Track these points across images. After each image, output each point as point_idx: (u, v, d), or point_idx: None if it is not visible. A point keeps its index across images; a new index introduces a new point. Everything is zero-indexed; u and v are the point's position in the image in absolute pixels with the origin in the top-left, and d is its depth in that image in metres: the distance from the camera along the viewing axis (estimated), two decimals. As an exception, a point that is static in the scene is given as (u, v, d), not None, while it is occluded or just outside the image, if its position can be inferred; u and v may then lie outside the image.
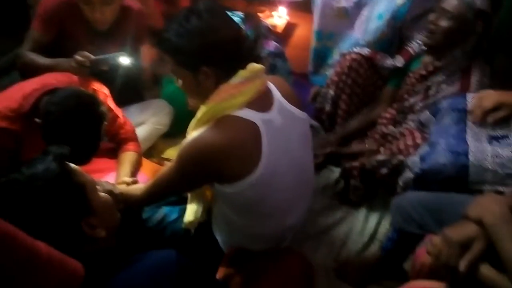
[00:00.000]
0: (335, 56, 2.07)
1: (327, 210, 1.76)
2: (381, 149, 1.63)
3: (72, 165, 1.01)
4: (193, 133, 1.11)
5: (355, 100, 1.88)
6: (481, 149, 1.22)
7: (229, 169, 1.09)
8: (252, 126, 1.11)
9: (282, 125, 1.18)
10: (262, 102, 1.15)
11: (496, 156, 1.19)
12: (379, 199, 1.75)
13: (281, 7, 2.64)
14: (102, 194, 1.05)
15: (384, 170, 1.55)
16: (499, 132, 1.29)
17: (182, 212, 1.34)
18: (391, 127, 1.72)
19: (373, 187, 1.71)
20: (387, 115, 1.79)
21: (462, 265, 0.86)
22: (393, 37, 1.87)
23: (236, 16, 1.74)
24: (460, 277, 0.86)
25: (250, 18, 1.75)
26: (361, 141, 1.83)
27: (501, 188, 1.12)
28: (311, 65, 2.24)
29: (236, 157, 1.08)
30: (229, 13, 1.76)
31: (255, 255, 1.26)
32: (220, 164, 1.08)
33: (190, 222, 1.29)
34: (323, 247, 1.64)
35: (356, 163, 1.69)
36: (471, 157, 1.20)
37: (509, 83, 2.05)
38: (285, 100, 1.22)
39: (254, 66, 1.15)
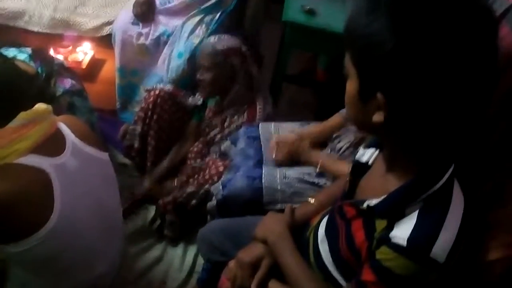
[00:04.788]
0: (142, 93, 2.06)
1: (144, 251, 1.71)
2: (190, 180, 1.67)
3: None
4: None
5: (163, 136, 1.89)
6: (272, 172, 1.36)
7: (12, 225, 0.96)
8: (40, 173, 1.01)
9: (77, 168, 1.10)
10: (52, 145, 1.06)
11: (284, 177, 1.34)
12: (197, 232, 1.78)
13: (86, 42, 2.52)
14: None
15: (193, 202, 1.59)
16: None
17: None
18: (199, 160, 1.78)
19: (189, 220, 1.73)
20: (195, 149, 1.86)
21: (253, 284, 0.92)
22: (194, 73, 1.95)
23: (23, 53, 1.58)
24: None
25: (41, 54, 1.61)
26: (175, 178, 1.85)
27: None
28: (118, 102, 2.18)
29: (19, 211, 0.96)
30: (15, 49, 1.61)
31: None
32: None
33: (-26, 294, 1.09)
34: (142, 292, 1.57)
35: (169, 198, 1.69)
36: (264, 180, 1.32)
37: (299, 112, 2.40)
38: (80, 141, 1.15)
39: (38, 107, 1.05)
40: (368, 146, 0.84)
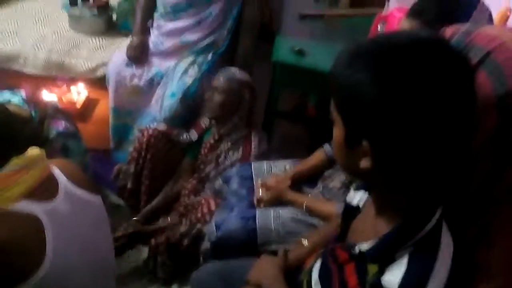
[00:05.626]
0: (135, 133, 2.08)
1: (136, 293, 1.68)
2: (183, 220, 1.66)
3: None
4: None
5: (157, 175, 1.90)
6: (265, 212, 1.36)
7: (5, 273, 0.94)
8: (32, 219, 1.00)
9: (69, 212, 1.10)
10: (44, 190, 1.06)
11: (278, 217, 1.34)
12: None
13: (80, 83, 2.56)
14: None
15: (186, 242, 1.58)
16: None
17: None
18: (192, 197, 1.78)
19: (182, 260, 1.71)
20: (189, 186, 1.85)
21: None
22: (187, 112, 2.00)
23: (17, 96, 1.60)
24: None
25: (34, 97, 1.64)
26: (168, 216, 1.84)
27: (282, 246, 1.25)
28: (112, 142, 2.20)
29: (12, 258, 0.94)
30: (9, 92, 1.63)
31: None
32: (-11, 270, 0.93)
33: None
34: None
35: (161, 239, 1.68)
36: (258, 221, 1.32)
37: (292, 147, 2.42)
38: (72, 185, 1.15)
39: (32, 153, 1.06)
40: (358, 188, 0.86)
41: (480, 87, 0.67)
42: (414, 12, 1.15)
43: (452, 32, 0.78)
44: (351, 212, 0.84)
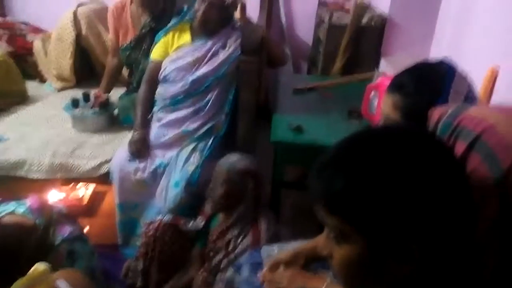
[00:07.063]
0: (142, 227, 2.05)
1: None
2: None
3: None
4: None
5: (166, 269, 1.85)
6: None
7: None
8: None
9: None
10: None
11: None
12: None
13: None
14: None
15: None
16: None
17: None
18: (204, 291, 1.72)
19: None
20: (200, 278, 1.79)
21: None
22: (192, 200, 1.98)
23: (22, 205, 1.60)
24: None
25: (39, 204, 1.64)
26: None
27: None
28: (119, 238, 2.17)
29: None
30: (14, 202, 1.64)
31: None
32: None
33: None
34: None
35: None
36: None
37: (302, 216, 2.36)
38: (79, 297, 1.12)
39: (36, 270, 1.05)
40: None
41: (476, 172, 0.66)
42: (394, 87, 1.17)
43: (439, 114, 0.79)
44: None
